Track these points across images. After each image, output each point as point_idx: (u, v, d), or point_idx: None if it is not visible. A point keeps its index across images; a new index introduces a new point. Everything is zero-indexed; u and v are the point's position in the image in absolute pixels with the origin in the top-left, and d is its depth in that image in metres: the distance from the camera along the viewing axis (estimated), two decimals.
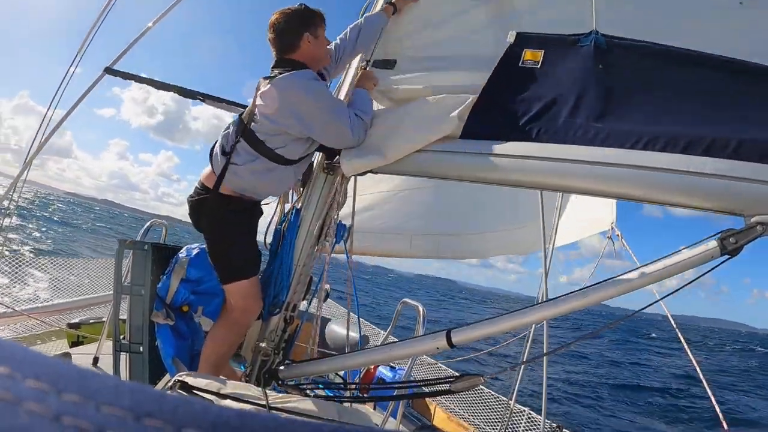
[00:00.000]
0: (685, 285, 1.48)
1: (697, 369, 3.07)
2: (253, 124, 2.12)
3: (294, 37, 2.14)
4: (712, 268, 1.37)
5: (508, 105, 1.85)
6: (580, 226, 4.92)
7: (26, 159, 2.49)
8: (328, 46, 2.36)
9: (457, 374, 1.94)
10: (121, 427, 0.21)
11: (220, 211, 2.20)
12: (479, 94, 1.89)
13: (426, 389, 2.50)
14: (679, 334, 3.36)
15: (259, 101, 2.11)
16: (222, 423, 0.22)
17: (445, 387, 1.85)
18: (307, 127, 2.09)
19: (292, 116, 2.06)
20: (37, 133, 2.52)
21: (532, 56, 1.91)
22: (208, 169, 2.25)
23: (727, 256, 1.32)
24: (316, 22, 2.20)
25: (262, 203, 2.33)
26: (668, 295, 1.92)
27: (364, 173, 2.16)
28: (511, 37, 1.97)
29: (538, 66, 1.88)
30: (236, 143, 2.16)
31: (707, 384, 2.89)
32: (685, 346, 3.22)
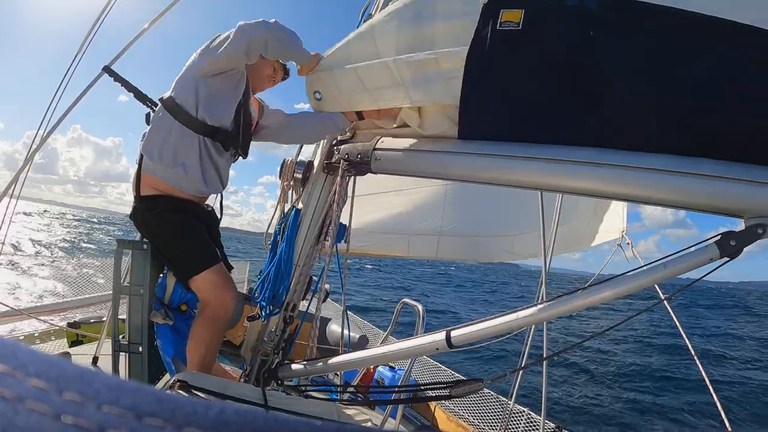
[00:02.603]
0: (686, 287, 1.48)
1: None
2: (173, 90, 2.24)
3: None
4: (712, 270, 1.37)
5: (496, 93, 1.75)
6: (591, 233, 4.96)
7: (27, 155, 2.50)
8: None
9: (458, 377, 1.93)
10: (122, 425, 0.21)
11: (149, 215, 2.23)
12: (462, 83, 1.77)
13: (425, 393, 2.49)
14: (686, 340, 3.35)
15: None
16: (223, 422, 0.22)
17: (445, 392, 1.84)
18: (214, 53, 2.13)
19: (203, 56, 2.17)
20: (37, 133, 2.53)
21: (510, 17, 1.67)
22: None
23: (727, 258, 1.32)
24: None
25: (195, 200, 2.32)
26: (670, 296, 1.93)
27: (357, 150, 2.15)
28: None
29: (519, 27, 1.66)
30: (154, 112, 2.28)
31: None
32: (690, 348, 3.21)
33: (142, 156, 2.22)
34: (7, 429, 0.19)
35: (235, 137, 2.34)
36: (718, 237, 1.33)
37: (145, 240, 2.40)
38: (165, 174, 2.20)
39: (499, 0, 1.72)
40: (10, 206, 2.64)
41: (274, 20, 2.09)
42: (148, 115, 2.47)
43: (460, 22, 1.79)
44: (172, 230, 2.23)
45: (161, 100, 2.24)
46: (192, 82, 2.18)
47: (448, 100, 1.81)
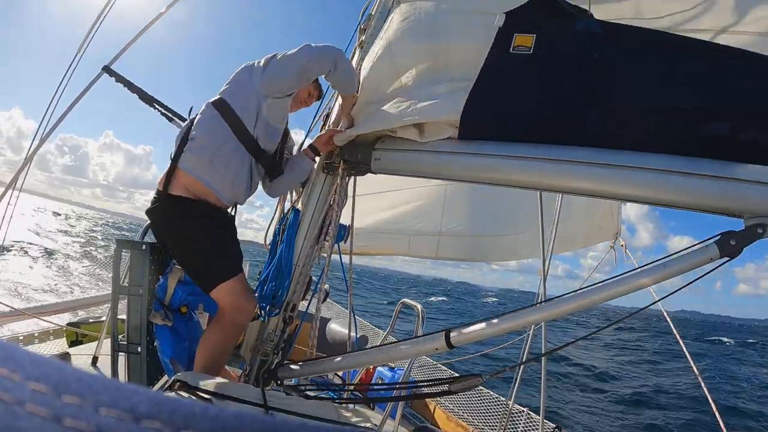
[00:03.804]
0: (685, 286, 1.48)
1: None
2: (225, 94, 2.22)
3: None
4: (712, 270, 1.37)
5: (503, 101, 1.81)
6: (585, 234, 4.94)
7: (27, 155, 2.49)
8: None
9: (456, 375, 1.94)
10: (120, 428, 0.21)
11: (178, 217, 2.17)
12: (471, 89, 1.83)
13: (425, 390, 2.50)
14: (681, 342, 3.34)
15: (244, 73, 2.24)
16: (220, 425, 0.22)
17: (444, 388, 1.84)
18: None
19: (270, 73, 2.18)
20: (37, 132, 2.53)
21: (522, 41, 1.80)
22: (164, 172, 2.24)
23: (726, 258, 1.32)
24: (314, 83, 2.51)
25: (223, 207, 2.27)
26: (667, 296, 1.93)
27: (362, 158, 2.16)
28: (500, 21, 1.86)
29: (530, 51, 1.78)
30: (197, 115, 2.24)
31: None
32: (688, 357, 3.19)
33: (179, 153, 2.17)
34: None
35: (274, 163, 2.37)
36: (718, 237, 1.33)
37: (144, 241, 2.38)
38: (211, 179, 2.16)
39: (512, 24, 1.83)
40: (10, 205, 2.64)
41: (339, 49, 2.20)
42: (191, 110, 2.43)
43: (473, 45, 1.90)
44: (202, 237, 2.18)
45: (213, 104, 2.21)
46: (255, 98, 2.18)
47: (452, 115, 1.84)
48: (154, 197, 2.24)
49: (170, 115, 2.77)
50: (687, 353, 3.19)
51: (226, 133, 2.16)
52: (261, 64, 2.20)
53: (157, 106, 2.71)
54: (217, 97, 2.23)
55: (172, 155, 2.22)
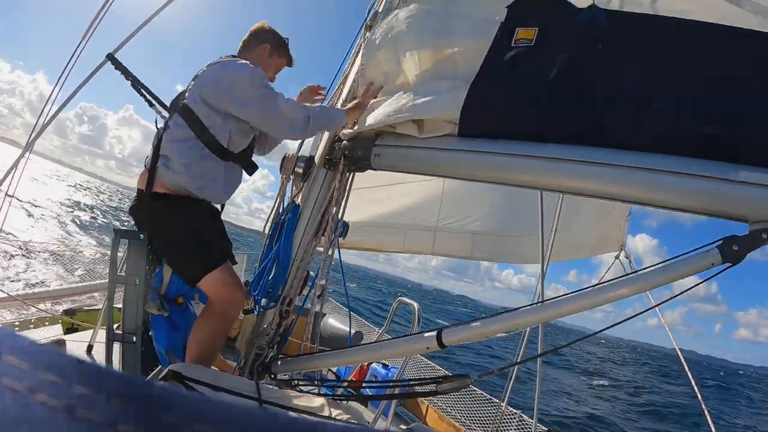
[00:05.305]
0: (684, 291, 1.48)
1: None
2: (189, 101, 2.16)
3: (256, 40, 2.41)
4: (713, 275, 1.35)
5: (504, 96, 1.79)
6: (591, 243, 4.91)
7: (27, 141, 2.47)
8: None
9: (448, 374, 1.94)
10: (132, 420, 0.20)
11: (159, 213, 2.16)
12: (471, 85, 1.82)
13: (415, 389, 2.49)
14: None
15: (199, 81, 2.18)
16: (231, 418, 0.22)
17: (431, 388, 1.84)
18: (241, 106, 2.12)
19: (228, 93, 2.12)
20: (38, 119, 2.50)
21: (525, 35, 1.79)
22: (142, 171, 2.22)
23: (728, 264, 1.31)
24: (279, 44, 2.46)
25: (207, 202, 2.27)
26: (664, 302, 1.92)
27: (357, 154, 2.16)
28: (501, 15, 1.86)
29: (532, 44, 1.77)
30: (170, 118, 2.20)
31: None
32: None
33: (155, 162, 2.14)
34: (19, 422, 0.19)
35: (252, 162, 2.40)
36: (720, 241, 1.32)
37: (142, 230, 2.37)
38: (192, 190, 2.16)
39: (515, 19, 1.83)
40: (9, 194, 2.62)
41: (317, 110, 2.21)
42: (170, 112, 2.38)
43: (475, 42, 1.90)
44: (184, 228, 2.20)
45: (182, 116, 2.15)
46: (223, 119, 2.14)
47: (451, 112, 1.84)
48: (135, 197, 2.24)
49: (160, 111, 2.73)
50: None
51: (200, 149, 2.14)
52: (225, 81, 2.13)
53: (152, 103, 2.66)
54: (187, 107, 2.15)
55: (148, 163, 2.18)
